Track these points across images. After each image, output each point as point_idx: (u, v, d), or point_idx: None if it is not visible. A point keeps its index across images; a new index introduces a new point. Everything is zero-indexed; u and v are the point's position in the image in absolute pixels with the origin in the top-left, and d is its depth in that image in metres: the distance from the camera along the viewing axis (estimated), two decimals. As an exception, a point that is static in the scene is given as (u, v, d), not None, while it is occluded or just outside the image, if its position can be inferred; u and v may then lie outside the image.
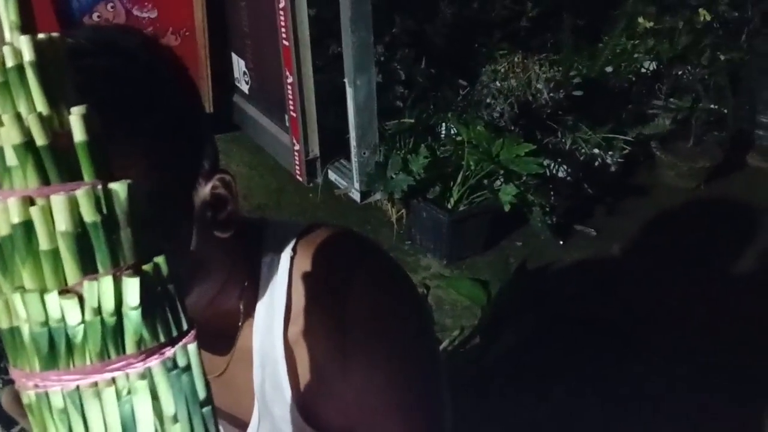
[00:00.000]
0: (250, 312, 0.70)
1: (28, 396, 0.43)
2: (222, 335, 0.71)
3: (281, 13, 2.31)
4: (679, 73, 2.73)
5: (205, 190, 0.63)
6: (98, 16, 2.43)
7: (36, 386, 0.42)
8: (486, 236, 2.28)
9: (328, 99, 2.51)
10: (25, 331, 0.42)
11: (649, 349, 1.88)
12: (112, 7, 2.44)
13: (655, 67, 2.78)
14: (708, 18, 2.59)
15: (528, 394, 1.73)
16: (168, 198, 0.58)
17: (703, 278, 2.14)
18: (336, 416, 0.70)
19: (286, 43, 2.35)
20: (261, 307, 0.69)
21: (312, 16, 2.34)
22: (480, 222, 2.25)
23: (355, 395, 0.68)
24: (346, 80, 2.28)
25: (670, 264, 2.20)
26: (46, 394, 0.42)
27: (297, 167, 2.55)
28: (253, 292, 0.69)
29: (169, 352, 0.44)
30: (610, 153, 2.52)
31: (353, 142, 2.35)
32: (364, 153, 2.35)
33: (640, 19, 2.76)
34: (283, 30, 2.34)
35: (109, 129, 0.45)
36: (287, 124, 2.52)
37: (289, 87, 2.42)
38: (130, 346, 0.42)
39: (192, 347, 0.45)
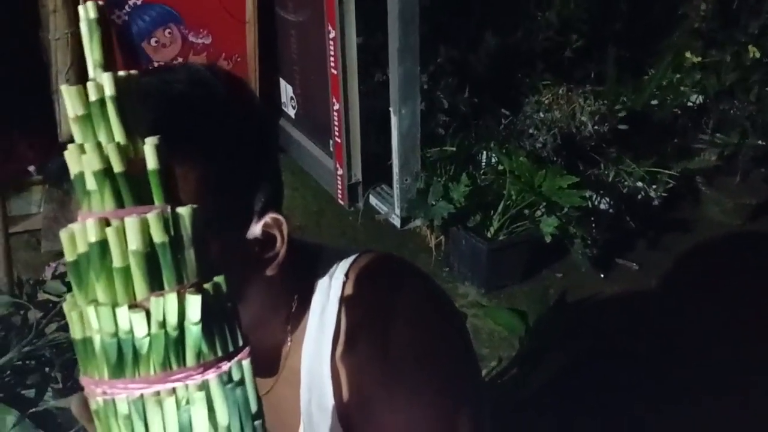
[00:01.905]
0: (299, 333, 0.72)
1: (96, 402, 0.47)
2: (269, 355, 0.74)
3: (331, 42, 2.37)
4: (726, 108, 2.71)
5: (257, 226, 0.66)
6: (156, 41, 2.53)
7: (104, 393, 0.46)
8: (525, 266, 2.28)
9: (371, 125, 2.55)
10: (97, 341, 0.46)
11: (688, 388, 1.85)
12: (169, 33, 2.54)
13: (701, 101, 2.76)
14: (757, 55, 2.57)
15: (563, 427, 1.72)
16: (219, 225, 0.62)
17: (745, 317, 2.10)
18: None
19: (334, 71, 2.41)
20: (311, 329, 0.71)
21: (359, 44, 2.39)
22: (519, 252, 2.25)
23: (399, 425, 0.69)
24: (391, 109, 2.32)
25: (713, 301, 2.16)
26: (113, 401, 0.46)
27: (339, 191, 2.59)
28: (303, 313, 0.72)
29: (225, 366, 0.47)
30: (653, 187, 2.50)
31: (396, 169, 2.38)
32: (406, 180, 2.38)
33: (687, 54, 2.75)
34: (332, 58, 2.40)
35: (174, 150, 0.49)
36: (331, 149, 2.57)
37: (335, 113, 2.47)
38: (190, 359, 0.46)
39: (246, 363, 0.49)
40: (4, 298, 1.75)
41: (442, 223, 2.24)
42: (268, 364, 0.74)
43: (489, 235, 2.21)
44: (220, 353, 0.47)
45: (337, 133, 2.51)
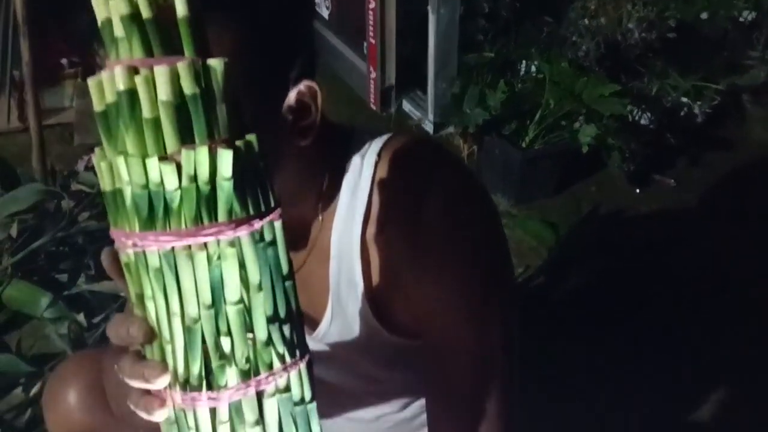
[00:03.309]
0: (329, 211, 0.71)
1: (127, 255, 0.46)
2: (299, 232, 0.73)
3: (368, -65, 2.27)
4: (780, 24, 2.57)
5: (291, 94, 0.64)
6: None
7: (134, 245, 0.45)
8: (559, 178, 2.24)
9: (407, 28, 2.47)
10: (127, 193, 0.45)
11: (720, 306, 1.84)
12: None
13: (753, 17, 2.62)
14: (820, -35, 2.41)
15: (587, 337, 1.72)
16: (253, 91, 0.59)
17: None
18: (407, 319, 0.72)
19: (370, -33, 2.32)
20: (342, 206, 0.70)
21: (398, -60, 2.29)
22: (554, 163, 2.21)
23: (426, 302, 0.69)
24: (429, 8, 2.24)
25: (750, 222, 2.12)
26: (144, 253, 0.45)
27: (372, 95, 2.54)
28: (334, 192, 0.71)
29: (257, 224, 0.46)
30: (698, 102, 2.41)
31: (431, 73, 2.32)
32: (442, 84, 2.32)
33: (743, -35, 2.59)
34: (368, -46, 2.30)
35: (207, 10, 0.46)
36: (365, 51, 2.51)
37: (371, 13, 2.39)
38: (221, 215, 0.44)
39: (278, 224, 0.47)
40: (37, 185, 1.77)
41: (476, 130, 2.19)
42: (298, 240, 0.73)
43: (524, 145, 2.16)
44: (252, 212, 0.46)
45: (371, 35, 2.43)
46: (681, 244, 2.04)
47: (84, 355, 0.97)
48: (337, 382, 0.83)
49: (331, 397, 0.83)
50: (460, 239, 0.68)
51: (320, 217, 0.72)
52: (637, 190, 2.24)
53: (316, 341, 0.78)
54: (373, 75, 2.50)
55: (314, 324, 0.77)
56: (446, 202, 0.68)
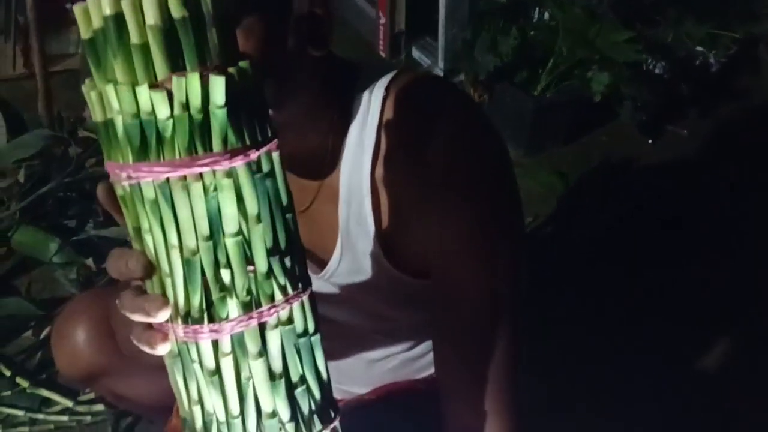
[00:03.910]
0: (338, 147, 0.70)
1: (123, 188, 0.45)
2: (309, 169, 0.72)
3: None
4: (803, -30, 2.49)
5: (300, 6, 0.62)
6: None
7: (129, 177, 0.44)
8: (570, 127, 2.21)
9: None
10: (119, 123, 0.43)
11: (730, 256, 1.82)
12: None
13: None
14: None
15: (595, 287, 1.72)
16: (259, 12, 0.57)
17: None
18: (414, 257, 0.71)
19: None
20: (350, 143, 0.69)
21: None
22: (566, 112, 2.17)
23: (432, 242, 0.68)
24: (439, -49, 2.18)
25: (763, 173, 2.09)
26: (139, 185, 0.44)
27: (381, 42, 2.50)
28: (342, 127, 0.69)
29: (253, 155, 0.44)
30: (713, 51, 2.36)
31: (442, 17, 2.27)
32: (452, 30, 2.27)
33: None
34: None
35: None
36: (374, -4, 2.46)
37: (380, -43, 2.34)
38: (216, 144, 0.43)
39: (276, 155, 0.46)
40: (44, 131, 1.76)
41: (487, 78, 2.15)
42: (307, 177, 0.72)
43: (535, 93, 2.12)
44: (248, 142, 0.44)
45: (381, -21, 2.38)
46: (692, 196, 2.02)
47: (91, 293, 0.97)
48: (345, 322, 0.83)
49: (339, 338, 0.83)
50: (466, 179, 0.67)
51: (328, 154, 0.70)
52: (649, 141, 2.21)
53: (324, 280, 0.77)
54: (382, 21, 2.45)
55: (323, 263, 0.76)
56: (453, 140, 0.66)
